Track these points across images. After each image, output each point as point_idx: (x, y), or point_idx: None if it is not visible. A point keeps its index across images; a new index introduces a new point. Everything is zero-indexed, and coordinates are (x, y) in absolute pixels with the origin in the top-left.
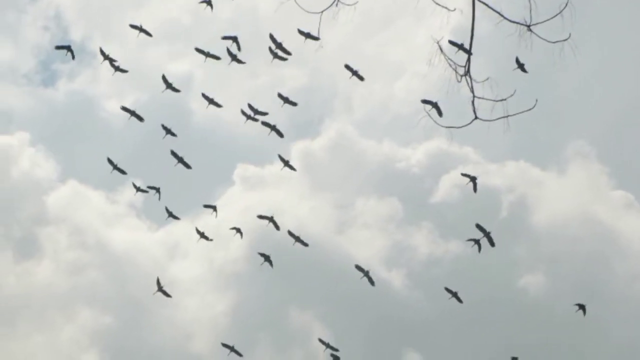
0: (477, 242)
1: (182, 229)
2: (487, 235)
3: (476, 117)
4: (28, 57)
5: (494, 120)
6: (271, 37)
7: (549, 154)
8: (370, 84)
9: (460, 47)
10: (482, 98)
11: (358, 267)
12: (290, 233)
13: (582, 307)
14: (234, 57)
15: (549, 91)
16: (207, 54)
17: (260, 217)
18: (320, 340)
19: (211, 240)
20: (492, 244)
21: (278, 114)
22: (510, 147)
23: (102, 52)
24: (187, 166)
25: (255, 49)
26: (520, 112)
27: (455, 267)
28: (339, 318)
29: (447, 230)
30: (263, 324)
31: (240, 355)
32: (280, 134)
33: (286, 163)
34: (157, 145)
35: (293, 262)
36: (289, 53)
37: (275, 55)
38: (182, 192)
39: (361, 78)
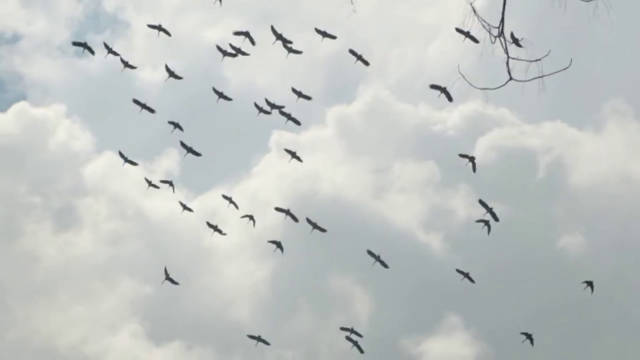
0: (486, 223)
1: (220, 197)
2: (489, 211)
3: (511, 78)
4: (62, 28)
5: (529, 80)
6: (272, 29)
7: (586, 114)
8: (404, 47)
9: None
10: (517, 59)
11: (370, 253)
12: (308, 220)
13: (589, 284)
14: (280, 37)
15: (584, 50)
16: (247, 34)
17: (278, 209)
18: (343, 328)
19: (237, 208)
20: (495, 219)
21: (313, 81)
22: (547, 107)
23: (105, 46)
24: (197, 154)
25: (288, 14)
26: (555, 72)
27: (493, 229)
28: (379, 283)
29: (485, 192)
30: (303, 290)
31: (267, 344)
32: (298, 122)
33: (293, 154)
34: (193, 114)
35: (332, 227)
36: (290, 42)
37: (290, 50)
38: (219, 160)
39: (366, 63)
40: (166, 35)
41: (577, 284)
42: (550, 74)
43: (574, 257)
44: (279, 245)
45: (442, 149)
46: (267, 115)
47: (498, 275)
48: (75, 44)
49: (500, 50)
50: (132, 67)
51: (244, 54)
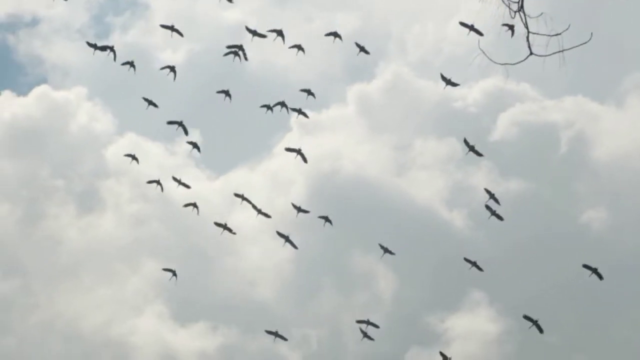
0: (494, 213)
1: (241, 177)
2: (492, 196)
3: (531, 53)
4: (81, 12)
5: (549, 55)
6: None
7: (607, 88)
8: (423, 24)
9: None
10: (537, 33)
11: (381, 246)
12: (321, 216)
13: (594, 270)
14: (255, 33)
15: (604, 24)
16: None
17: (295, 206)
18: (360, 321)
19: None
20: (496, 202)
21: (332, 58)
22: (568, 82)
23: (108, 46)
24: (186, 132)
25: None
26: (575, 47)
27: (516, 204)
28: (402, 260)
29: (507, 168)
30: (327, 269)
31: (285, 339)
32: (306, 116)
33: (298, 152)
34: (213, 95)
35: (354, 206)
36: (264, 36)
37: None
38: (240, 140)
39: (366, 52)
40: (186, 16)
41: (600, 258)
42: (570, 48)
43: (597, 232)
44: (287, 238)
45: (463, 125)
46: (287, 95)
47: (521, 250)
48: (98, 47)
49: (520, 25)
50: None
51: (279, 33)
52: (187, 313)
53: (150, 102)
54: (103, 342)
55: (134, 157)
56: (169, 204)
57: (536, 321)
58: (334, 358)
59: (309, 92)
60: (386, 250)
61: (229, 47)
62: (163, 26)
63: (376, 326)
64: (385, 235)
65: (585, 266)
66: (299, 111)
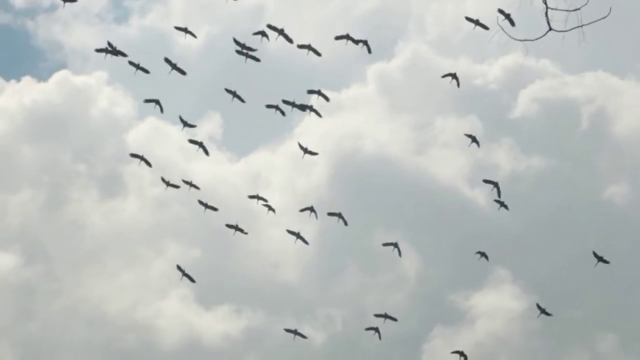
0: (502, 203)
1: (263, 159)
2: (495, 185)
3: (550, 29)
4: None
5: (569, 30)
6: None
7: (627, 62)
8: (442, 3)
9: None
10: (556, 9)
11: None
12: (330, 214)
13: (600, 258)
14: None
15: None
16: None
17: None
18: (378, 315)
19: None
20: (498, 193)
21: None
22: (587, 57)
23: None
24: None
25: None
26: (594, 21)
27: (538, 181)
28: (425, 239)
29: (529, 145)
30: (350, 249)
31: (304, 337)
32: (319, 114)
33: (306, 150)
34: (232, 77)
35: (376, 185)
36: (253, 50)
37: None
38: (260, 121)
39: (369, 50)
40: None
41: (624, 233)
42: (589, 23)
43: (620, 207)
44: (298, 235)
45: (484, 102)
46: (307, 75)
47: (545, 227)
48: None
49: (539, 0)
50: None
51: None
52: (212, 296)
53: (175, 67)
54: (128, 326)
55: (142, 158)
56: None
57: (544, 309)
58: (358, 338)
59: (318, 92)
60: (395, 246)
61: (238, 51)
62: (178, 28)
63: (394, 319)
64: (407, 214)
65: (594, 254)
66: (310, 108)
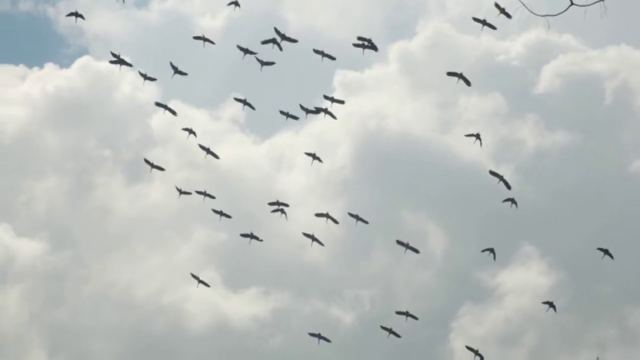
0: (512, 200)
1: (286, 140)
2: (501, 179)
3: (572, 3)
4: None
5: (590, 5)
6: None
7: None
8: None
9: None
10: None
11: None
12: (350, 214)
13: (605, 251)
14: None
15: None
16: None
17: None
18: (399, 312)
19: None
20: (508, 187)
21: (372, 18)
22: (610, 31)
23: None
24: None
25: None
26: None
27: (563, 157)
28: (452, 217)
29: (553, 120)
30: (376, 229)
31: (328, 341)
32: (333, 117)
33: (314, 156)
34: (255, 60)
35: (401, 164)
36: (295, 40)
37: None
38: (283, 103)
39: (375, 48)
40: None
41: None
42: None
43: None
44: (313, 238)
45: (507, 79)
46: (329, 55)
47: (571, 202)
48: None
49: None
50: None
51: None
52: (239, 279)
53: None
54: (157, 310)
55: (191, 131)
56: (215, 170)
57: (607, 250)
58: (387, 317)
59: (332, 99)
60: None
61: (264, 42)
62: (196, 38)
63: (415, 318)
64: (433, 192)
65: (599, 249)
66: (325, 111)
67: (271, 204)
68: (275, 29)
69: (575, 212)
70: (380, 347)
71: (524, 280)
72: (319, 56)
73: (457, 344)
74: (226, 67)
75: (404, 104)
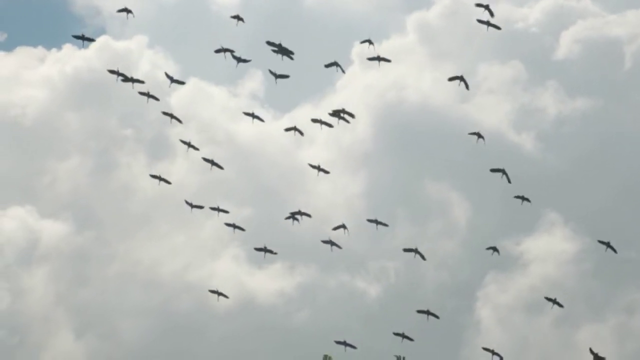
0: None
1: (306, 114)
2: (504, 173)
3: None
4: None
5: None
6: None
7: None
8: None
9: None
10: None
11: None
12: (369, 220)
13: (607, 244)
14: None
15: None
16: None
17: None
18: (420, 311)
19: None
20: (509, 181)
21: None
22: None
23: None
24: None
25: None
26: None
27: (584, 122)
28: (475, 186)
29: (573, 87)
30: (399, 200)
31: (354, 347)
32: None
33: (319, 168)
34: (272, 34)
35: (421, 135)
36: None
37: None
38: (302, 77)
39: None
40: None
41: None
42: None
43: None
44: (332, 243)
45: (526, 46)
46: (346, 28)
47: (593, 168)
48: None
49: None
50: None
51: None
52: (263, 255)
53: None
54: (182, 287)
55: (190, 145)
56: (237, 147)
57: (608, 243)
58: (413, 288)
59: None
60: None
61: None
62: (233, 17)
63: (437, 317)
64: (455, 162)
65: (600, 242)
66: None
67: (293, 213)
68: (267, 42)
69: (598, 177)
70: (406, 318)
71: (549, 247)
72: (337, 27)
73: (484, 312)
74: (243, 43)
75: (423, 74)
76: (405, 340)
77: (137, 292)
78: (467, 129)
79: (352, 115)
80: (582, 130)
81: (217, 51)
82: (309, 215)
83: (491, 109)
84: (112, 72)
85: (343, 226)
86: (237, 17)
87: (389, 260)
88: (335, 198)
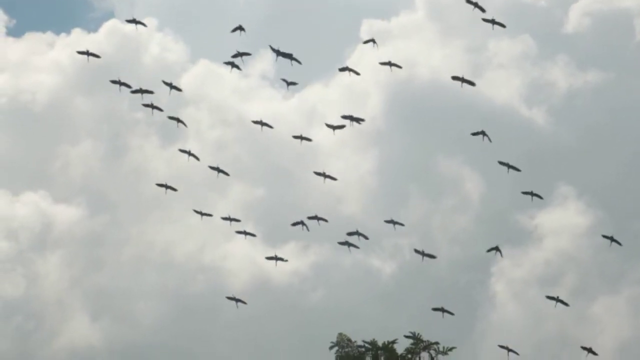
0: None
1: (316, 93)
2: (510, 166)
3: None
4: None
5: None
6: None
7: None
8: None
9: None
10: None
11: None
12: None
13: (611, 238)
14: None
15: None
16: None
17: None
18: (435, 309)
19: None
20: (515, 169)
21: None
22: None
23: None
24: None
25: None
26: None
27: (596, 96)
28: (486, 161)
29: (584, 60)
30: (412, 177)
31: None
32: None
33: (324, 175)
34: (281, 14)
35: (433, 111)
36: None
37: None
38: (312, 56)
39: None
40: None
41: None
42: None
43: None
44: (349, 243)
45: (536, 20)
46: (355, 6)
47: (605, 141)
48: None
49: None
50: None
51: None
52: (277, 234)
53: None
54: (197, 268)
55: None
56: (248, 126)
57: (612, 237)
58: (428, 264)
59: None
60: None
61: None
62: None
63: (451, 313)
64: (467, 137)
65: (604, 236)
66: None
67: (310, 218)
68: (271, 47)
69: (610, 150)
70: (422, 295)
71: (562, 220)
72: (345, 7)
73: (499, 287)
74: (253, 23)
75: (433, 50)
76: (423, 317)
77: (152, 275)
78: (478, 104)
79: (362, 120)
80: (594, 104)
81: (234, 30)
82: (325, 220)
83: (502, 84)
84: (114, 82)
85: (357, 232)
86: (240, 28)
87: (403, 236)
88: (347, 176)
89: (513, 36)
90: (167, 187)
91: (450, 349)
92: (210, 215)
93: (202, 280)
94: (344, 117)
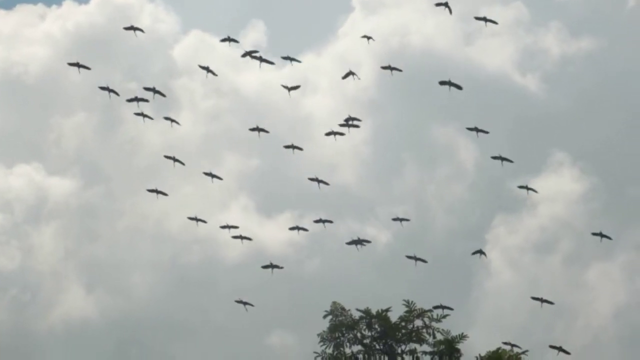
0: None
1: (309, 63)
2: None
3: None
4: None
5: None
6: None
7: None
8: None
9: None
10: None
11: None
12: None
13: (602, 235)
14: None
15: None
16: None
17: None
18: (435, 307)
19: None
20: (509, 160)
21: None
22: None
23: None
24: None
25: None
26: None
27: (589, 62)
28: (482, 128)
29: (577, 27)
30: (406, 145)
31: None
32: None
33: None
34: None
35: (426, 80)
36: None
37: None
38: (304, 25)
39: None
40: None
41: None
42: None
43: None
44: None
45: None
46: None
47: (599, 107)
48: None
49: None
50: None
51: None
52: (272, 204)
53: None
54: (192, 240)
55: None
56: (241, 97)
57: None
58: (424, 233)
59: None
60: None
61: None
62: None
63: (451, 308)
64: (460, 105)
65: (594, 234)
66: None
67: (316, 221)
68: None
69: (604, 117)
70: (418, 265)
71: (557, 187)
72: None
73: (493, 255)
74: None
75: (426, 18)
76: (415, 285)
77: (147, 246)
78: (472, 72)
79: (359, 121)
80: (587, 70)
81: (222, 41)
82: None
83: (495, 52)
84: (103, 88)
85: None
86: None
87: (398, 205)
88: (341, 145)
89: (505, 3)
90: (157, 192)
91: (444, 316)
92: (220, 178)
93: (197, 251)
94: (342, 125)
